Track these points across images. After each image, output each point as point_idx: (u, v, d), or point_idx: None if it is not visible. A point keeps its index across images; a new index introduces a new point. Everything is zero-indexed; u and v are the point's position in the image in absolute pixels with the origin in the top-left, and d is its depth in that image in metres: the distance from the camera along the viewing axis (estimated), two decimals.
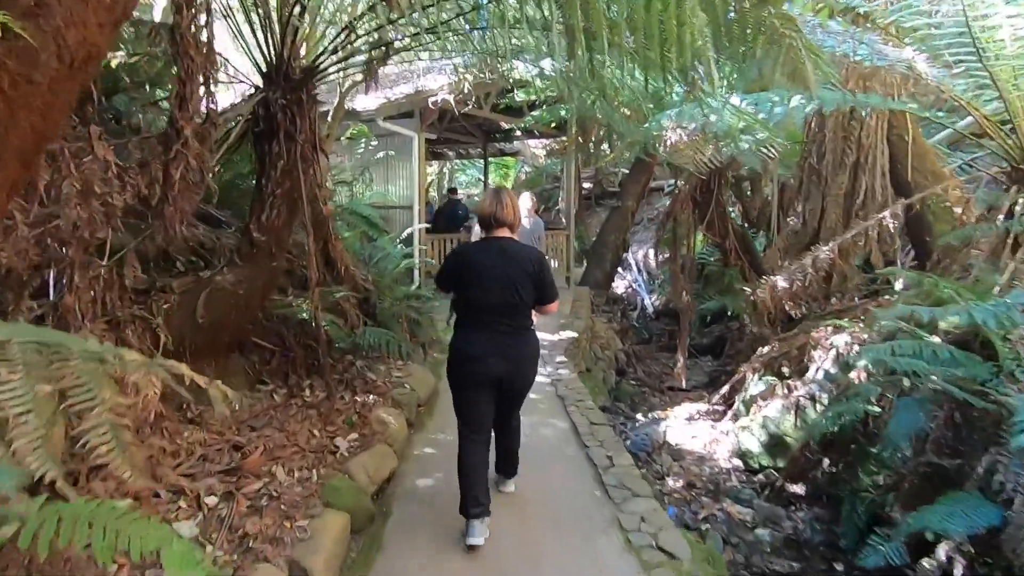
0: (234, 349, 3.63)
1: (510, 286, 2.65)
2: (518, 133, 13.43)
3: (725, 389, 6.83)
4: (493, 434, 2.93)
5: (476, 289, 2.69)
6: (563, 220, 17.35)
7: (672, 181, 17.52)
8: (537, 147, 14.04)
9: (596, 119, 7.07)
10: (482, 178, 17.12)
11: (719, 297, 9.71)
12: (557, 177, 18.63)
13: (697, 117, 4.25)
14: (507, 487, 3.26)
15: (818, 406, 4.92)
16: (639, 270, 14.81)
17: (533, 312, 2.85)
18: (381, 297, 5.35)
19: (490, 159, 18.09)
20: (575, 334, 7.34)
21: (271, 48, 3.44)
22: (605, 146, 9.86)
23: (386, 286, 5.56)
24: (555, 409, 4.84)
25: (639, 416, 7.12)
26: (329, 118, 7.46)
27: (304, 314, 3.91)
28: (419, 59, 5.81)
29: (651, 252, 15.33)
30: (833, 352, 5.08)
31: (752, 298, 6.13)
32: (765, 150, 4.58)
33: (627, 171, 17.83)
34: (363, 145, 7.59)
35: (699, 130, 4.66)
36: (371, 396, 4.00)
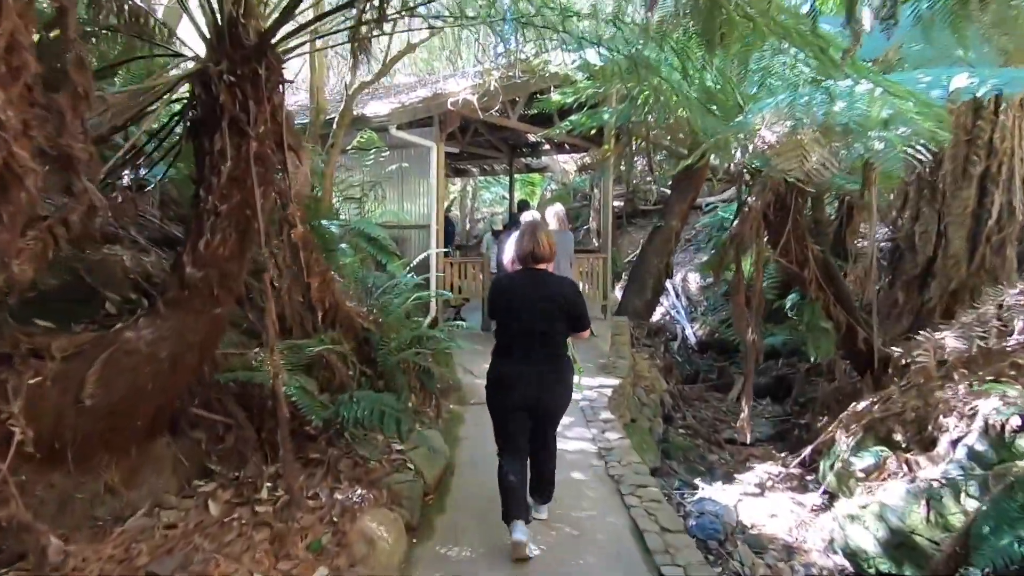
0: (161, 432, 2.55)
1: (544, 316, 2.80)
2: (547, 147, 12.42)
3: (806, 453, 5.54)
4: (531, 463, 2.98)
5: (512, 318, 2.85)
6: (593, 241, 16.23)
7: (711, 200, 16.32)
8: (567, 162, 13.00)
9: (646, 125, 5.95)
10: (506, 196, 16.13)
11: (783, 331, 8.41)
12: (586, 195, 17.55)
13: (817, 105, 3.12)
14: (540, 513, 3.18)
15: (965, 499, 3.63)
16: (677, 295, 13.53)
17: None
18: (384, 340, 4.27)
19: (516, 175, 17.13)
20: (618, 380, 6.14)
21: (215, 3, 2.41)
22: (658, 157, 8.72)
23: (392, 324, 4.48)
24: (607, 497, 3.64)
25: (699, 482, 5.85)
26: (335, 125, 6.51)
27: (264, 378, 2.83)
28: (435, 65, 4.77)
29: (690, 275, 14.09)
30: (980, 422, 3.79)
31: (894, 354, 4.83)
32: (913, 150, 3.41)
33: (665, 189, 16.76)
34: (372, 155, 6.58)
35: (810, 125, 3.53)
36: (357, 490, 2.87)
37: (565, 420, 4.79)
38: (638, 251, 15.09)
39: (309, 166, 3.18)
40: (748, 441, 6.49)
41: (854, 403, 5.30)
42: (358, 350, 4.31)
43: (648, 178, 14.15)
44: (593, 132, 9.02)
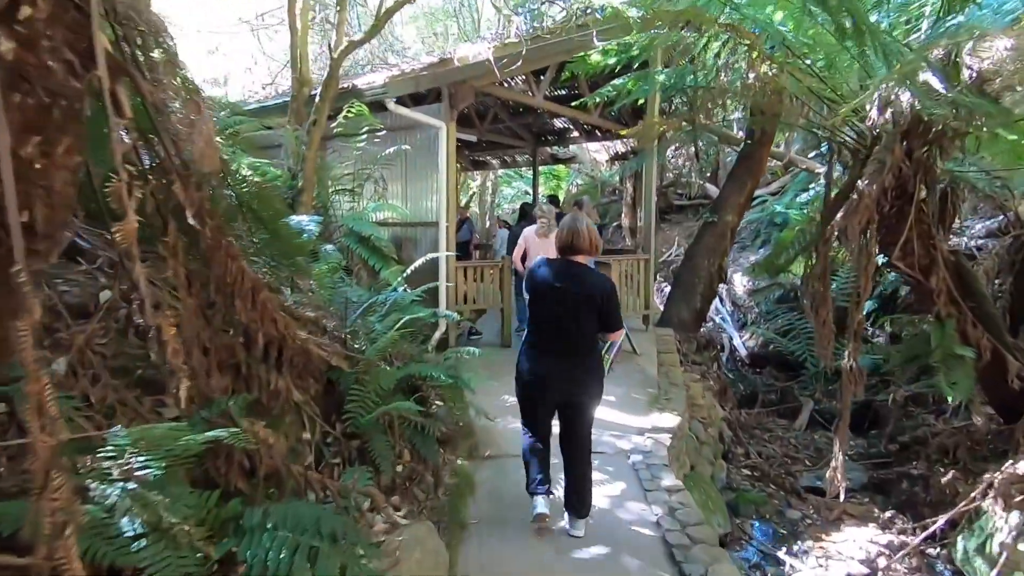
0: None
1: (575, 310, 2.72)
2: (575, 134, 11.06)
3: (940, 525, 4.11)
4: (561, 459, 2.93)
5: (543, 307, 2.79)
6: (625, 239, 14.79)
7: (758, 192, 14.75)
8: (599, 151, 11.62)
9: (708, 93, 4.58)
10: (529, 191, 14.80)
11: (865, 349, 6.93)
12: (616, 189, 16.12)
13: None
14: (576, 530, 2.89)
15: None
16: (721, 300, 12.02)
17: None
18: (360, 384, 3.00)
19: (540, 168, 15.76)
20: (675, 419, 4.77)
21: None
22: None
23: (375, 358, 3.21)
24: None
25: (784, 556, 4.46)
26: (317, 97, 5.28)
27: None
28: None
29: (736, 277, 12.57)
30: None
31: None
32: None
33: (706, 182, 15.19)
34: (363, 136, 5.30)
35: None
36: None
37: (614, 491, 3.48)
38: (683, 252, 13.66)
39: (213, 126, 1.93)
40: (841, 497, 5.05)
41: (1011, 462, 3.85)
42: (323, 398, 3.05)
43: (688, 168, 12.63)
44: (635, 107, 7.68)
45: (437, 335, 6.19)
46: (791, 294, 10.56)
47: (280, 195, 4.29)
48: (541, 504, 2.80)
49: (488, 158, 13.38)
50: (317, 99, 5.08)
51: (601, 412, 4.94)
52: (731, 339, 10.95)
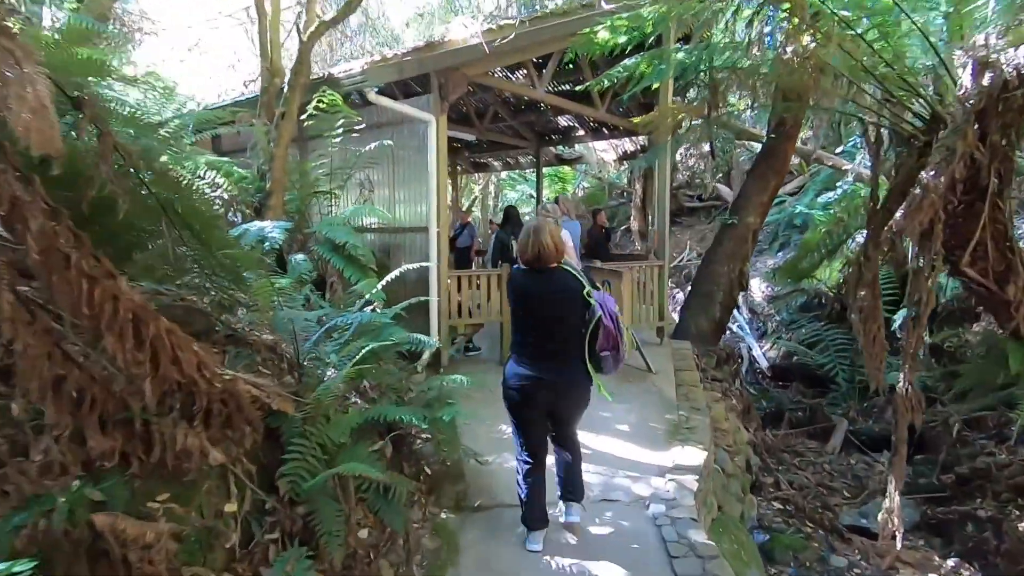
0: None
1: (556, 316, 2.69)
2: (581, 132, 10.41)
3: None
4: (555, 457, 2.97)
5: (524, 316, 2.78)
6: (635, 244, 14.09)
7: (780, 194, 14.04)
8: (605, 151, 10.95)
9: (743, 71, 3.92)
10: (534, 194, 14.16)
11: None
12: (624, 191, 15.44)
13: None
14: (572, 516, 2.97)
15: None
16: (738, 307, 11.30)
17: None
18: (306, 435, 2.34)
19: (545, 170, 15.11)
20: (700, 454, 4.08)
21: None
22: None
23: (327, 399, 2.55)
24: None
25: None
26: (285, 85, 4.67)
27: None
28: None
29: (752, 282, 11.84)
30: None
31: None
32: None
33: (719, 183, 14.45)
34: (339, 129, 4.66)
35: None
36: None
37: (633, 559, 2.82)
38: (696, 257, 12.93)
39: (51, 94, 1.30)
40: (898, 543, 4.32)
41: None
42: (265, 452, 2.41)
43: (702, 167, 11.93)
44: (645, 99, 7.04)
45: (428, 353, 5.55)
46: (815, 301, 9.84)
47: (209, 198, 3.65)
48: (537, 541, 2.81)
49: (489, 160, 12.75)
50: (285, 89, 4.47)
51: (614, 447, 4.32)
52: (750, 350, 10.22)
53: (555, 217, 5.77)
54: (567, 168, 15.60)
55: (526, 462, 2.83)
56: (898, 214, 3.48)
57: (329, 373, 2.71)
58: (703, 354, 7.23)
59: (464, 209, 16.14)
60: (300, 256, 4.37)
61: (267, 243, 3.91)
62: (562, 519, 2.97)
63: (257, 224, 3.99)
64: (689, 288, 7.66)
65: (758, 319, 10.94)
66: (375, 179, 5.96)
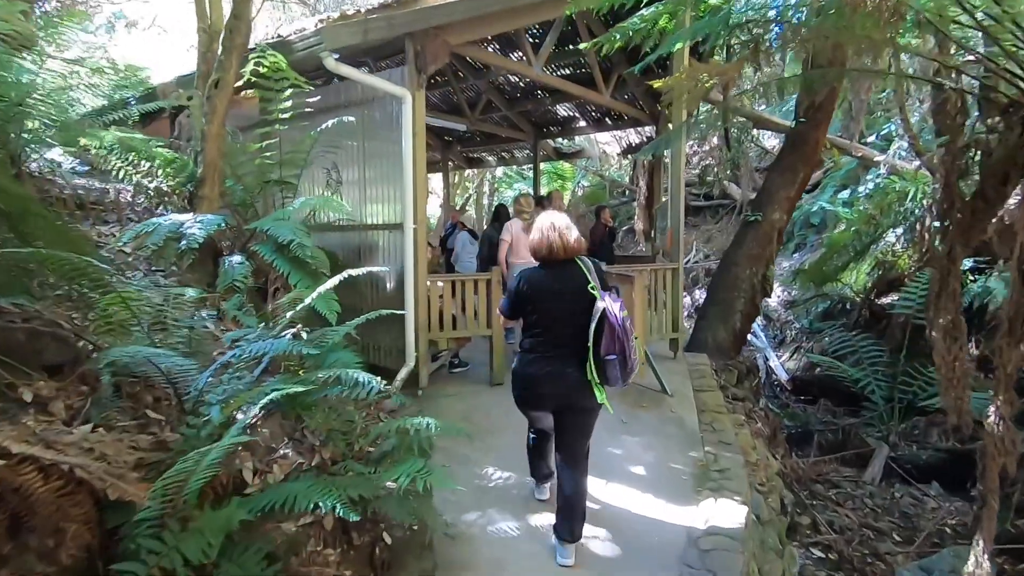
0: None
1: (574, 311, 2.53)
2: (582, 123, 9.55)
3: None
4: (556, 477, 2.85)
5: (540, 313, 2.61)
6: (639, 245, 13.23)
7: None
8: (608, 144, 10.09)
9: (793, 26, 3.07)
10: (531, 192, 13.31)
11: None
12: (626, 189, 14.58)
13: None
14: (567, 558, 2.63)
15: None
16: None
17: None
18: (163, 539, 1.46)
19: (543, 166, 14.24)
20: (737, 515, 3.21)
21: None
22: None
23: (195, 482, 1.66)
24: None
25: None
26: (219, 50, 3.80)
27: None
28: None
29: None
30: None
31: None
32: None
33: (725, 180, 13.51)
34: (286, 100, 3.78)
35: None
36: None
37: None
38: (706, 258, 12.06)
39: None
40: None
41: None
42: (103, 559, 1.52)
43: (712, 162, 11.06)
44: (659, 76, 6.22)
45: (404, 372, 4.68)
46: (839, 307, 8.98)
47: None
48: (544, 490, 3.06)
49: (483, 154, 11.89)
50: (219, 52, 3.61)
51: (628, 499, 3.28)
52: (766, 360, 9.36)
53: (531, 211, 5.17)
54: (566, 165, 14.75)
55: (535, 440, 3.03)
56: (1012, 202, 2.61)
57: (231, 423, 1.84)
58: (722, 368, 6.37)
59: (458, 208, 15.29)
60: (237, 258, 3.51)
61: (184, 241, 3.04)
62: (558, 559, 2.66)
63: (173, 218, 3.12)
64: (705, 294, 6.80)
65: (774, 326, 10.08)
66: (344, 168, 5.10)
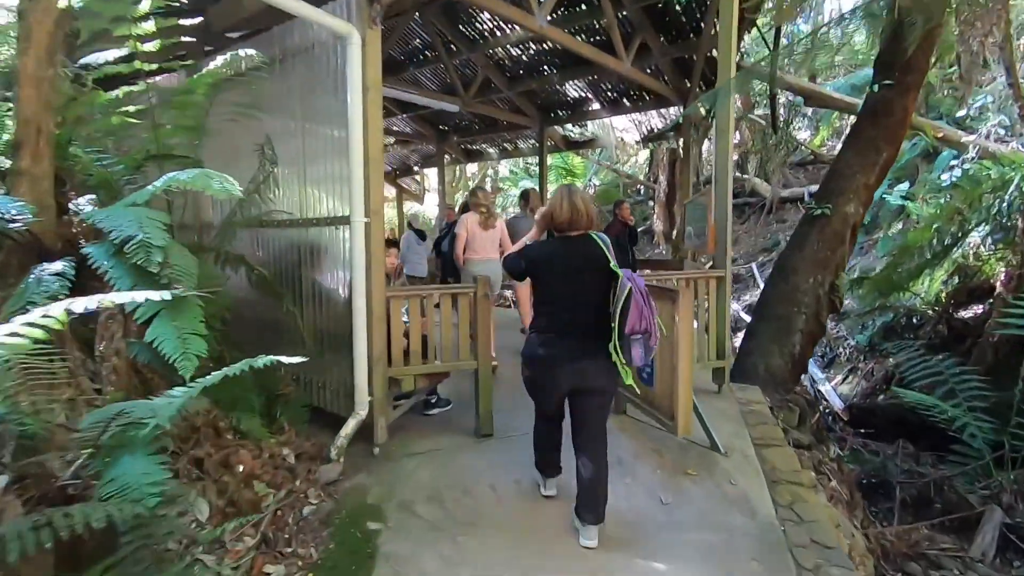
0: None
1: (584, 288, 2.44)
2: (595, 105, 8.19)
3: None
4: (575, 461, 2.60)
5: (552, 288, 2.49)
6: (660, 248, 11.82)
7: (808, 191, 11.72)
8: (626, 130, 8.67)
9: None
10: (537, 190, 11.95)
11: None
12: (644, 186, 13.17)
13: None
14: (589, 540, 2.53)
15: None
16: None
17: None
18: None
19: (551, 158, 12.85)
20: None
21: None
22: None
23: None
24: None
25: None
26: None
27: None
28: None
29: None
30: None
31: None
32: None
33: (757, 177, 11.93)
34: (141, 22, 2.47)
35: None
36: None
37: None
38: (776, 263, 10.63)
39: None
40: None
41: None
42: None
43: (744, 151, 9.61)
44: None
45: (352, 424, 3.33)
46: (904, 321, 7.52)
47: None
48: (550, 485, 2.81)
49: (483, 145, 10.57)
50: None
51: None
52: (813, 383, 7.92)
53: (488, 204, 4.79)
54: (577, 159, 13.39)
55: (541, 430, 2.75)
56: None
57: None
58: (778, 405, 4.96)
59: (456, 207, 13.97)
60: (56, 266, 2.20)
61: None
62: (581, 541, 2.52)
63: None
64: (754, 310, 5.39)
65: (822, 343, 8.62)
66: (282, 142, 3.79)
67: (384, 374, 3.45)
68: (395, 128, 10.36)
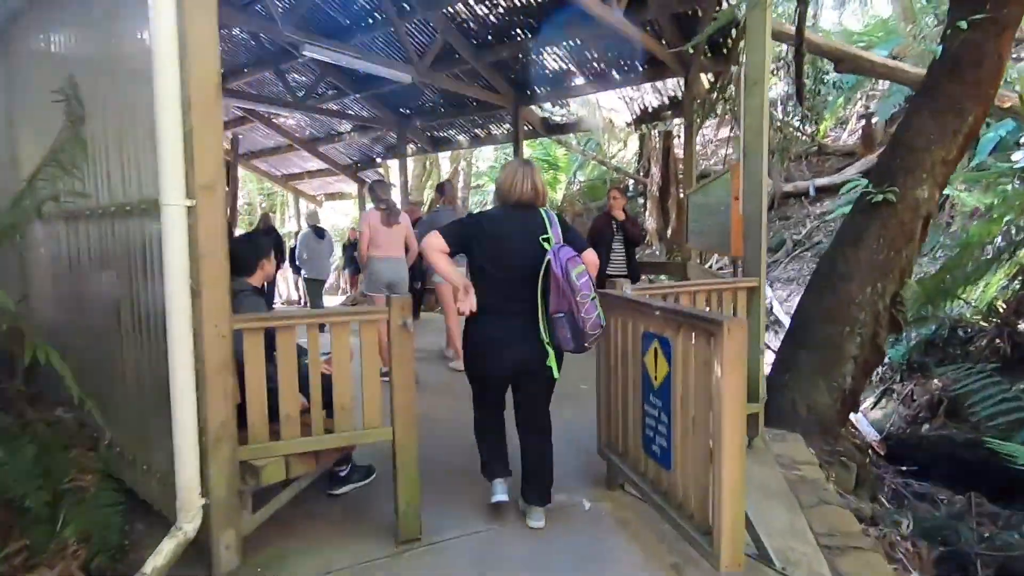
0: None
1: (524, 263, 2.26)
2: (579, 80, 6.88)
3: None
4: (519, 443, 2.49)
5: (497, 263, 2.29)
6: (653, 249, 10.54)
7: (823, 182, 10.41)
8: (613, 111, 7.36)
9: None
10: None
11: None
12: (634, 183, 11.87)
13: None
14: (535, 520, 2.42)
15: None
16: None
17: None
18: None
19: (529, 145, 11.49)
20: None
21: None
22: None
23: None
24: None
25: None
26: None
27: None
28: None
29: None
30: None
31: None
32: None
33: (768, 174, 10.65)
34: None
35: None
36: None
37: None
38: (729, 267, 9.38)
39: None
40: None
41: None
42: None
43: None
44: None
45: (168, 548, 1.96)
46: (949, 334, 6.30)
47: None
48: (500, 490, 2.44)
49: (451, 132, 9.20)
50: None
51: None
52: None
53: (388, 199, 4.58)
54: (560, 152, 12.08)
55: (486, 412, 2.49)
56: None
57: None
58: (828, 459, 3.68)
59: (426, 204, 12.60)
60: None
61: None
62: (528, 522, 2.42)
63: None
64: (788, 331, 4.07)
65: None
66: (91, 92, 2.42)
67: (231, 458, 2.08)
68: (349, 112, 8.97)
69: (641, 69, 6.39)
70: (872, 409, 6.63)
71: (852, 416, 6.47)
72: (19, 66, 3.27)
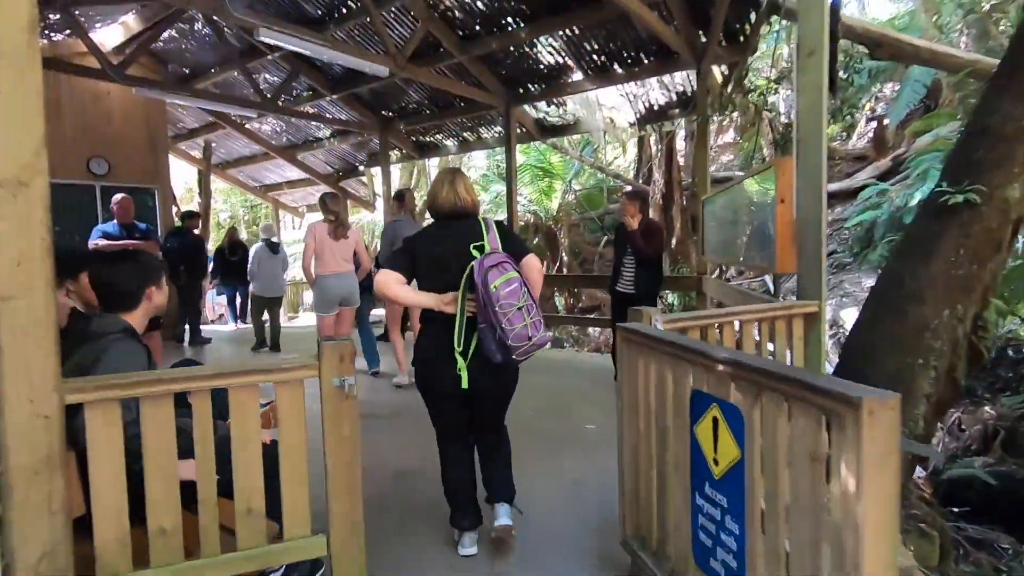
0: None
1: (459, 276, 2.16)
2: (576, 75, 6.19)
3: None
4: (476, 450, 2.42)
5: (438, 279, 2.19)
6: (686, 261, 9.80)
7: (838, 186, 9.76)
8: (615, 108, 6.67)
9: None
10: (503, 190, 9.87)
11: None
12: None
13: None
14: (506, 518, 2.32)
15: None
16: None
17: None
18: None
19: (523, 150, 10.78)
20: None
21: None
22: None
23: None
24: None
25: None
26: None
27: None
28: None
29: (850, 315, 7.71)
30: None
31: None
32: None
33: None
34: None
35: None
36: None
37: None
38: (738, 278, 8.72)
39: None
40: None
41: None
42: None
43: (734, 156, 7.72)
44: None
45: None
46: (1007, 352, 5.60)
47: None
48: (468, 543, 2.33)
49: (438, 136, 8.49)
50: None
51: None
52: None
53: (338, 211, 4.28)
54: (555, 157, 11.39)
55: (453, 446, 2.33)
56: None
57: None
58: (905, 529, 2.93)
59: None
60: None
61: None
62: (496, 523, 2.30)
63: None
64: (840, 361, 3.34)
65: None
66: None
67: None
68: (327, 115, 8.27)
69: (647, 62, 5.72)
70: (908, 433, 5.91)
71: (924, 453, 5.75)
72: None
